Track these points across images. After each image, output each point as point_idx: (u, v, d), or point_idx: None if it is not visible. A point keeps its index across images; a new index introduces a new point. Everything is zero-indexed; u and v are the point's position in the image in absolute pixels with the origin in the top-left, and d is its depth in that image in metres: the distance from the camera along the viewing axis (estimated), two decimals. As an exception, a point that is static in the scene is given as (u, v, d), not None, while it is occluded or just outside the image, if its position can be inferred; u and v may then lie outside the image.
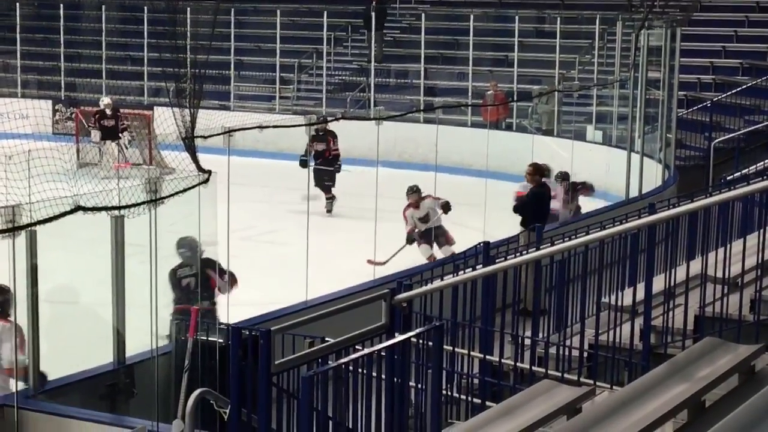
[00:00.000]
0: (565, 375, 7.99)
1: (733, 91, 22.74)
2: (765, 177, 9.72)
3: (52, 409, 8.47)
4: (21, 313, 8.47)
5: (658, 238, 8.94)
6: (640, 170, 19.31)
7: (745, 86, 22.70)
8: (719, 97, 22.71)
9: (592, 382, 7.60)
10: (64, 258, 11.50)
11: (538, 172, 14.82)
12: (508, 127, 25.24)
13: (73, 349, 9.83)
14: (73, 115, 27.12)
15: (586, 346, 8.49)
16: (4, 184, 9.30)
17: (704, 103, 22.73)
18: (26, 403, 8.40)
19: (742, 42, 25.41)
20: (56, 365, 9.00)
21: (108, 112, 22.83)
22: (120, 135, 22.48)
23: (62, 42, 31.08)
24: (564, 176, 17.81)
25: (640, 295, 8.22)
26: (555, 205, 17.30)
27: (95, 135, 22.66)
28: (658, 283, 8.35)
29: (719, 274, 8.20)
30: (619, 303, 8.51)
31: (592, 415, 5.79)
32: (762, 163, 16.58)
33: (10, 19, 32.00)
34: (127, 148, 22.09)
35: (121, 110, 24.04)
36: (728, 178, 15.20)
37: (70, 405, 8.62)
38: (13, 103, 27.71)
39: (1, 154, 10.28)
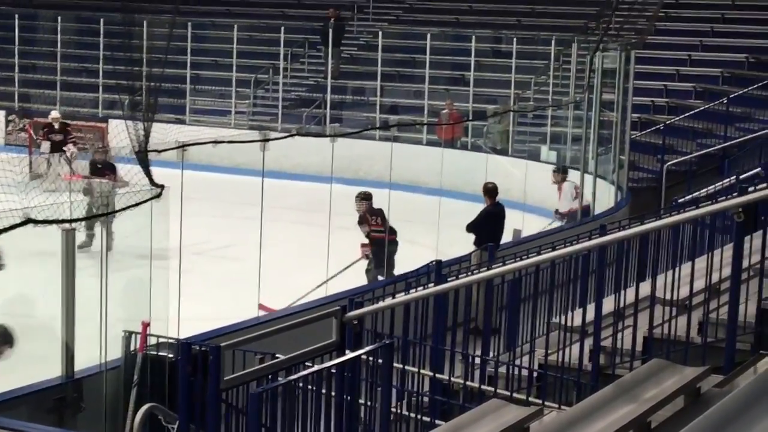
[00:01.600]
0: (515, 394, 8.02)
1: (686, 115, 22.94)
2: (714, 200, 9.82)
3: (-1, 422, 8.39)
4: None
5: (609, 259, 9.01)
6: (593, 191, 19.44)
7: (697, 110, 22.89)
8: (672, 120, 22.91)
9: (540, 401, 7.63)
10: (13, 271, 11.43)
11: (487, 192, 14.90)
12: (463, 146, 25.31)
13: (22, 362, 9.75)
14: (27, 126, 26.93)
15: (535, 366, 8.53)
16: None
17: (657, 126, 22.90)
18: (-28, 416, 8.31)
19: (696, 66, 25.67)
20: (4, 378, 8.92)
21: (56, 126, 22.62)
22: (64, 149, 22.26)
23: (17, 52, 30.87)
24: (563, 170, 18.27)
25: (590, 315, 8.27)
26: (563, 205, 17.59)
27: (45, 147, 22.49)
28: (608, 304, 8.40)
29: (668, 296, 8.26)
30: (569, 323, 8.55)
31: (539, 434, 5.83)
32: (713, 186, 16.74)
33: (-36, 28, 31.81)
34: (71, 161, 21.88)
35: (74, 123, 23.91)
36: (680, 200, 15.34)
37: (16, 418, 8.53)
38: (-35, 113, 27.62)
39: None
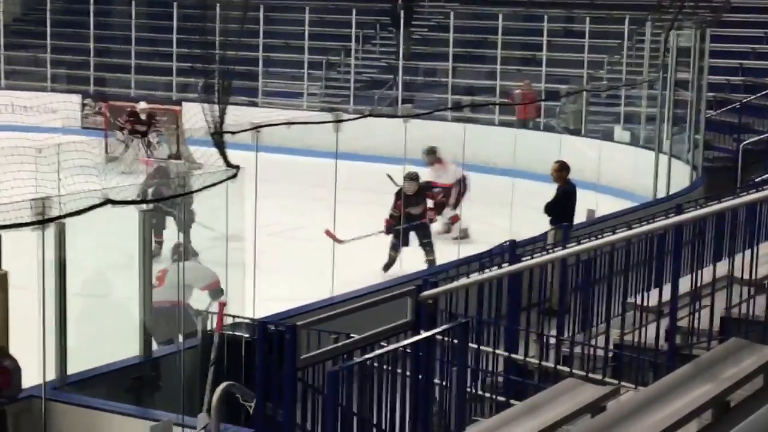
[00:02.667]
0: (590, 374, 7.99)
1: (763, 93, 22.62)
2: (793, 179, 9.69)
3: (78, 400, 8.53)
4: (49, 306, 8.52)
5: (685, 239, 8.93)
6: (667, 171, 19.26)
7: (774, 88, 22.59)
8: (748, 99, 22.59)
9: (616, 381, 7.60)
10: (93, 252, 11.57)
11: (563, 169, 14.79)
12: (536, 127, 25.19)
13: (100, 341, 9.89)
14: (102, 110, 27.22)
15: (611, 346, 8.49)
16: (34, 176, 9.38)
17: (733, 105, 22.62)
18: (53, 394, 8.45)
19: (773, 43, 25.30)
20: (83, 357, 9.06)
21: (143, 116, 22.80)
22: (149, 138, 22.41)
23: (92, 37, 31.22)
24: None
25: (666, 295, 8.21)
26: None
27: (121, 136, 22.65)
28: (685, 284, 8.33)
29: (746, 276, 8.18)
30: (645, 303, 8.49)
31: (616, 413, 5.80)
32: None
33: (40, 14, 32.18)
34: (152, 151, 22.04)
35: (150, 107, 24.07)
36: (756, 180, 15.15)
37: (96, 397, 8.67)
38: (42, 96, 28.00)
39: (32, 147, 10.36)
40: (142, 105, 23.26)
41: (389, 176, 16.48)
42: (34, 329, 8.27)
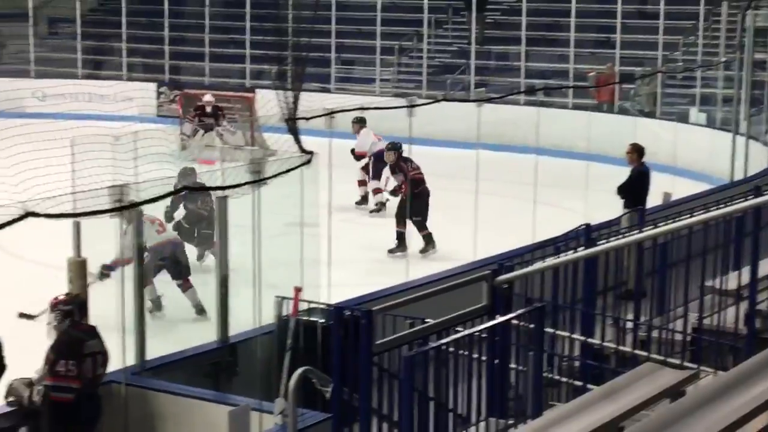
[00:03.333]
0: (668, 359, 7.91)
1: (842, 72, 22.23)
2: None
3: (157, 385, 8.62)
4: (128, 292, 8.62)
5: (763, 221, 8.81)
6: (745, 153, 19.01)
7: None
8: (828, 79, 22.21)
9: (695, 366, 7.52)
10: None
11: (637, 151, 14.64)
12: (610, 110, 24.98)
13: (178, 327, 10.00)
14: (177, 98, 27.46)
15: (689, 330, 8.40)
16: (111, 164, 9.49)
17: (812, 85, 22.24)
18: (132, 379, 8.56)
19: None
20: (162, 343, 9.16)
21: (208, 109, 22.79)
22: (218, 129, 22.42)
23: (167, 25, 31.47)
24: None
25: (745, 279, 8.11)
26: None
27: (187, 128, 22.77)
28: (764, 267, 8.23)
29: (827, 258, 8.06)
30: (724, 287, 8.40)
31: (696, 398, 5.73)
32: None
33: (116, 3, 32.50)
34: (224, 138, 22.12)
35: (222, 93, 24.20)
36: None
37: (174, 382, 8.76)
38: (118, 85, 28.33)
39: (109, 136, 10.47)
40: (207, 98, 23.36)
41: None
42: (113, 315, 8.37)
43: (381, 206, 18.23)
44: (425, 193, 16.13)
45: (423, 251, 15.62)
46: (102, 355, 7.88)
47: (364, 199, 18.73)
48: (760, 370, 5.87)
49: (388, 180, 16.68)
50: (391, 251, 15.56)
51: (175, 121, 24.26)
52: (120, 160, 9.63)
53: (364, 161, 18.95)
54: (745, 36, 20.06)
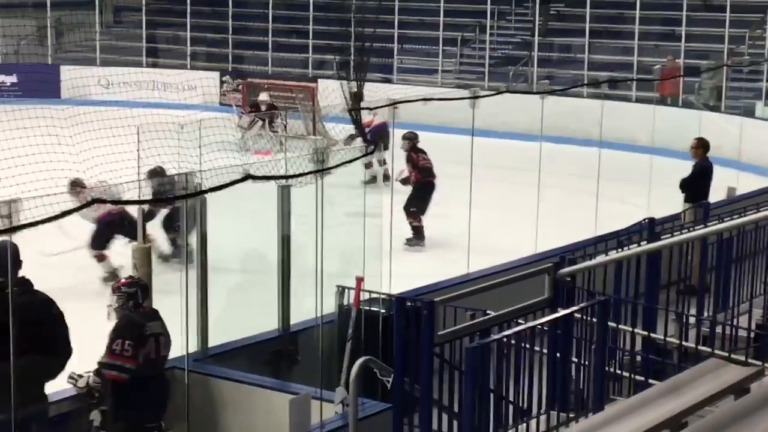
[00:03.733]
0: (732, 355, 7.84)
1: None
2: None
3: (219, 372, 8.69)
4: (191, 280, 8.69)
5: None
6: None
7: None
8: None
9: (760, 363, 7.44)
10: (233, 226, 11.75)
11: (702, 146, 14.52)
12: (674, 103, 24.77)
13: (240, 315, 10.05)
14: (240, 87, 27.59)
15: (753, 326, 8.32)
16: (176, 152, 9.56)
17: None
18: (195, 366, 8.62)
19: None
20: (224, 330, 9.22)
21: (263, 108, 22.94)
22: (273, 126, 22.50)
23: (230, 15, 31.63)
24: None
25: (812, 275, 8.02)
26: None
27: (244, 122, 22.84)
28: (832, 264, 8.14)
29: None
30: (790, 283, 8.32)
31: (761, 395, 5.69)
32: None
33: (180, -8, 32.76)
34: (277, 135, 22.19)
35: (284, 83, 24.28)
36: None
37: (236, 369, 8.82)
38: (182, 74, 28.52)
39: (174, 123, 10.55)
40: (263, 97, 23.45)
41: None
42: (176, 302, 8.44)
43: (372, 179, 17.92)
44: (429, 186, 16.14)
45: (409, 242, 15.58)
46: (164, 337, 7.95)
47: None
48: (827, 368, 5.81)
49: (402, 172, 16.54)
50: (408, 241, 15.56)
51: (234, 110, 24.38)
52: (185, 148, 9.70)
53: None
54: (813, 29, 19.83)
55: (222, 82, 29.17)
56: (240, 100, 26.39)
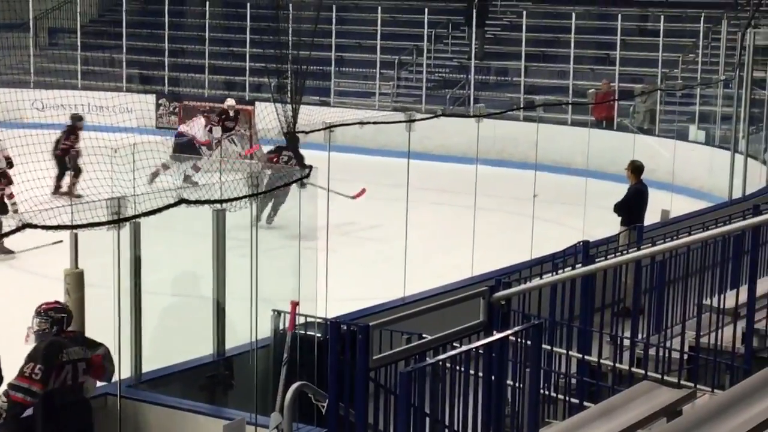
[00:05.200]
0: (665, 377, 7.90)
1: (841, 92, 22.24)
2: None
3: (152, 398, 8.60)
4: (124, 305, 8.60)
5: (762, 239, 8.80)
6: (744, 171, 19.02)
7: None
8: (826, 98, 22.23)
9: (692, 384, 7.51)
10: (167, 250, 11.67)
11: (636, 169, 14.66)
12: (609, 126, 24.99)
13: (174, 340, 9.97)
14: (176, 110, 27.46)
15: (686, 348, 8.39)
16: (109, 176, 9.47)
17: (811, 104, 22.26)
18: (128, 392, 8.53)
19: None
20: (158, 355, 9.13)
21: (231, 113, 23.04)
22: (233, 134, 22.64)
23: (166, 37, 31.51)
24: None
25: (743, 297, 8.10)
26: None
27: (217, 132, 22.83)
28: (762, 286, 8.22)
29: (825, 278, 8.05)
30: (722, 305, 8.38)
31: (693, 418, 5.73)
32: None
33: (115, 15, 32.56)
34: (236, 144, 22.30)
35: (222, 106, 24.24)
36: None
37: (170, 395, 8.74)
38: (118, 97, 28.32)
39: (107, 148, 10.47)
40: (230, 102, 23.51)
41: None
42: (110, 328, 8.35)
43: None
44: None
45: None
46: (85, 363, 7.85)
47: None
48: (758, 390, 5.86)
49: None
50: None
51: (174, 133, 24.29)
52: (118, 172, 9.63)
53: None
54: (744, 54, 20.09)
55: (158, 105, 29.01)
56: (176, 123, 26.24)
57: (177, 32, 32.14)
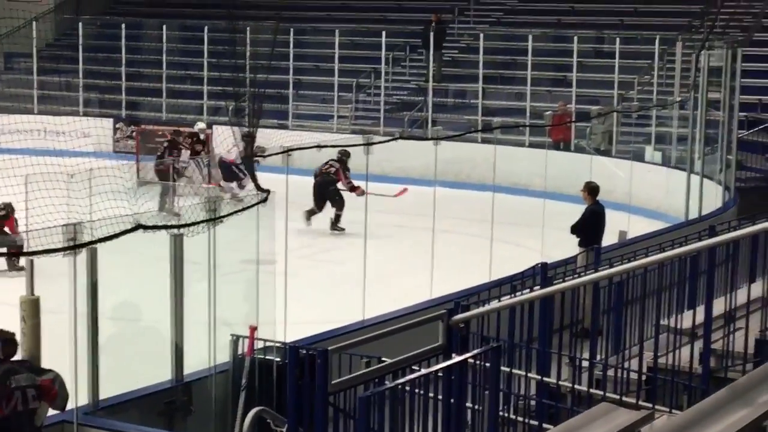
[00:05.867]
0: (624, 398, 7.92)
1: (795, 113, 22.52)
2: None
3: (110, 425, 8.53)
4: (81, 331, 8.54)
5: (718, 260, 8.86)
6: (699, 192, 19.17)
7: (807, 107, 22.47)
8: (781, 119, 22.50)
9: (650, 405, 7.53)
10: (124, 276, 11.60)
11: (591, 190, 14.73)
12: (566, 148, 25.12)
13: (132, 366, 9.90)
14: (134, 134, 27.35)
15: (644, 369, 8.42)
16: (66, 202, 9.41)
17: (765, 125, 22.50)
18: (85, 419, 8.46)
19: (805, 62, 25.16)
20: (115, 382, 9.06)
21: (202, 136, 23.12)
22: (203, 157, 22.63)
23: (124, 61, 31.40)
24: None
25: (700, 318, 8.14)
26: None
27: (185, 156, 22.77)
28: (719, 306, 8.27)
29: (781, 298, 8.10)
30: (679, 326, 8.43)
31: (650, 439, 5.75)
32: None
33: (72, 39, 32.41)
34: (202, 168, 22.26)
35: (179, 129, 24.18)
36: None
37: (128, 421, 8.67)
38: (75, 122, 28.15)
39: (64, 173, 10.40)
40: (201, 125, 23.53)
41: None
42: (66, 354, 8.28)
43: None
44: None
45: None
46: (35, 389, 7.78)
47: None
48: (715, 410, 5.90)
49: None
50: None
51: (132, 158, 24.21)
52: (75, 198, 9.57)
53: None
54: (698, 76, 20.28)
55: (116, 129, 28.88)
56: (134, 147, 26.12)
57: (134, 56, 32.03)
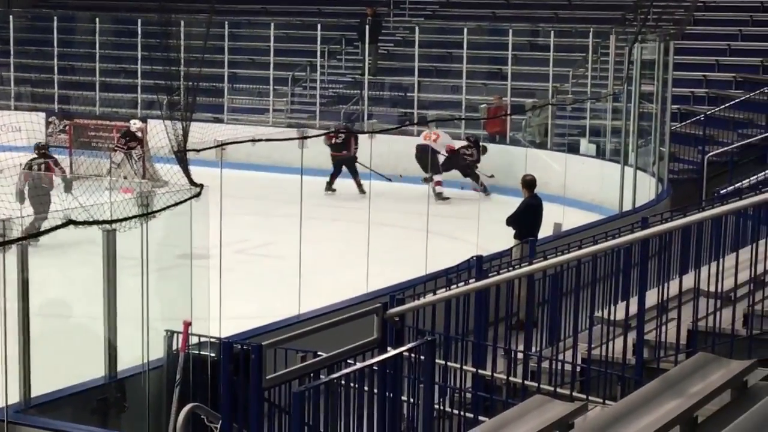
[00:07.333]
0: (558, 389, 7.96)
1: (726, 105, 22.73)
2: (758, 191, 9.72)
3: (42, 423, 8.43)
4: (11, 327, 8.43)
5: (651, 252, 8.93)
6: (633, 184, 19.33)
7: (738, 100, 22.69)
8: (713, 111, 22.72)
9: (584, 396, 7.58)
10: (56, 272, 11.48)
11: (526, 183, 14.78)
12: (502, 141, 25.22)
13: (64, 362, 9.79)
14: (67, 128, 27.05)
15: (578, 361, 8.47)
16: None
17: (698, 117, 22.73)
18: (16, 417, 8.35)
19: (736, 56, 25.43)
20: (47, 379, 8.96)
21: (139, 134, 22.91)
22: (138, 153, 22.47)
23: (56, 54, 31.04)
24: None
25: (633, 309, 8.20)
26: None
27: (118, 158, 22.56)
28: (651, 298, 8.33)
29: (712, 289, 8.18)
30: (612, 317, 8.48)
31: (584, 431, 5.78)
32: (755, 177, 16.59)
33: (3, 31, 31.98)
34: (134, 164, 22.10)
35: (111, 124, 23.99)
36: (721, 192, 15.21)
37: (60, 419, 8.58)
38: (6, 116, 27.80)
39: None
40: (139, 124, 23.32)
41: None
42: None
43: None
44: None
45: None
46: None
47: None
48: (648, 401, 5.93)
49: None
50: None
51: (64, 152, 23.92)
52: (3, 193, 9.44)
53: None
54: (632, 68, 20.43)
55: (48, 124, 28.54)
56: (66, 142, 25.84)
57: (66, 49, 31.66)
